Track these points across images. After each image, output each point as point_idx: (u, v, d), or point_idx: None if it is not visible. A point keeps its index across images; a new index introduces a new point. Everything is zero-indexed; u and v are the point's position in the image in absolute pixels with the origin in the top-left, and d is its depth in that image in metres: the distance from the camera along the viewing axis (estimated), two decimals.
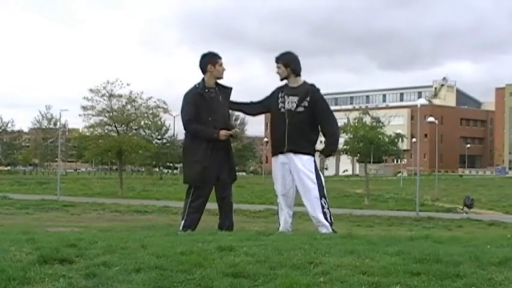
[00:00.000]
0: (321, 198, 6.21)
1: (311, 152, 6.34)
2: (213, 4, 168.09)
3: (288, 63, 6.39)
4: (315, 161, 6.33)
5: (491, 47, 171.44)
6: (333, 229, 6.17)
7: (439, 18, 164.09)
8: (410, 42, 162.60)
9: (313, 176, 6.23)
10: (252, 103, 6.73)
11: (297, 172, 6.26)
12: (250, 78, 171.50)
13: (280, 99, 6.38)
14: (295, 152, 6.26)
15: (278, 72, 6.47)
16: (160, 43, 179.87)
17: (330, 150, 6.47)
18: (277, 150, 6.42)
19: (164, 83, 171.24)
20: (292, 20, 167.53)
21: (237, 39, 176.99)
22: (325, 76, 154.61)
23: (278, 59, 6.47)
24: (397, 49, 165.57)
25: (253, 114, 6.93)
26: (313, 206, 6.21)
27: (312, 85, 6.44)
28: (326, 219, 6.19)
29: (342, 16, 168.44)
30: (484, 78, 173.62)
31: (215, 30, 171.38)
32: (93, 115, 36.53)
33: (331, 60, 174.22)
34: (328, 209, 6.25)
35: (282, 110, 6.33)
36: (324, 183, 6.32)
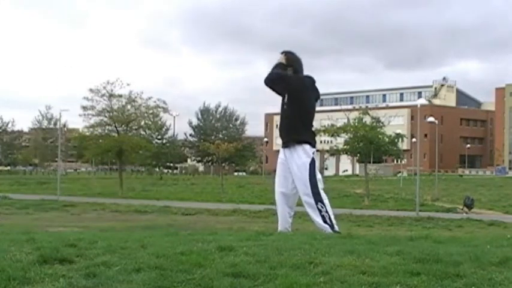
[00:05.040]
0: (316, 203, 6.20)
1: (307, 152, 6.33)
2: (217, 2, 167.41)
3: (291, 63, 6.50)
4: (311, 164, 6.32)
5: (499, 46, 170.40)
6: (334, 231, 6.16)
7: (447, 17, 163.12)
8: (417, 42, 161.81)
9: (308, 183, 6.23)
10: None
11: (293, 177, 6.30)
12: (255, 77, 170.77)
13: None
14: (290, 148, 6.32)
15: None
16: (162, 42, 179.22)
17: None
18: (282, 141, 6.56)
19: (166, 83, 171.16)
20: (297, 18, 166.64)
21: (241, 38, 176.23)
22: (330, 75, 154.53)
23: None
24: (404, 48, 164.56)
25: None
26: (310, 211, 6.25)
27: (308, 76, 6.55)
28: (325, 222, 6.19)
29: (349, 15, 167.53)
30: (491, 77, 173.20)
31: (219, 29, 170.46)
32: (93, 115, 36.58)
33: (338, 59, 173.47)
34: (326, 212, 6.23)
35: (284, 105, 6.46)
36: (320, 186, 6.30)
